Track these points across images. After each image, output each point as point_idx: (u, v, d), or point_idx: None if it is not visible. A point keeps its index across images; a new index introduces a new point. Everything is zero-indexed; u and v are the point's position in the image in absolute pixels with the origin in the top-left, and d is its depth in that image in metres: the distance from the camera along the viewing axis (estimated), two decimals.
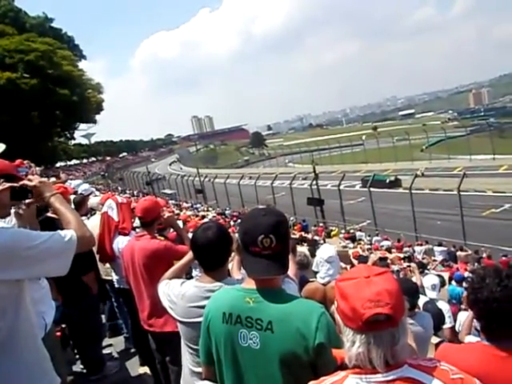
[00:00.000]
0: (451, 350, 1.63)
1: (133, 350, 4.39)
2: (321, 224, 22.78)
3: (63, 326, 3.92)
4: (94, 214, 4.76)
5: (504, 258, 12.90)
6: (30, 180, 1.80)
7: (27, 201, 1.89)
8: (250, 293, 1.50)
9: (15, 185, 1.83)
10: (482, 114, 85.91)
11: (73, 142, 50.32)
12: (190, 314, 1.90)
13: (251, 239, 1.46)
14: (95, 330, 3.88)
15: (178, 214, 16.57)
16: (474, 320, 2.50)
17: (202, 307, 1.72)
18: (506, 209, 20.65)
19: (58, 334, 3.82)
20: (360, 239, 18.14)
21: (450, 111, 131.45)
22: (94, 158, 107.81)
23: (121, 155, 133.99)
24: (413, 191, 18.87)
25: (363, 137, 78.45)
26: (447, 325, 4.17)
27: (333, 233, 20.34)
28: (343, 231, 20.41)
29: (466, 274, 8.39)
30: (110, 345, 4.75)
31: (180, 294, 1.96)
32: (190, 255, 2.14)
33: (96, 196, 5.25)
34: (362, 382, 1.06)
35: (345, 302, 1.09)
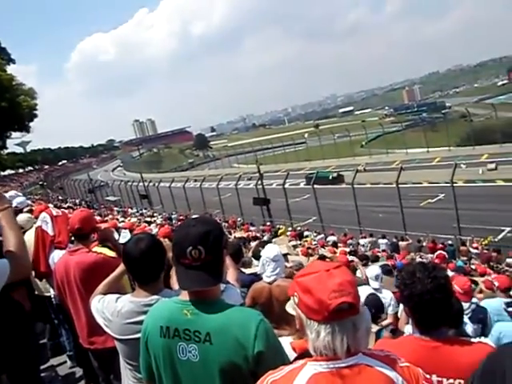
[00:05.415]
0: (387, 346, 1.68)
1: (77, 369, 4.19)
2: (268, 223, 22.94)
3: None
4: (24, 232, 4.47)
5: (440, 245, 13.68)
6: None
7: None
8: (187, 305, 1.46)
9: None
10: (416, 109, 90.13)
11: (5, 151, 47.46)
12: (127, 330, 1.84)
13: (181, 251, 1.42)
14: (31, 352, 3.65)
15: (123, 221, 16.08)
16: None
17: (139, 323, 1.66)
18: (440, 198, 21.72)
19: None
20: (307, 236, 18.47)
21: (387, 107, 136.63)
22: (30, 168, 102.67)
23: (60, 163, 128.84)
24: (355, 186, 19.43)
25: (305, 135, 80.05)
26: (391, 311, 4.40)
27: (280, 231, 20.55)
28: (290, 229, 20.68)
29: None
30: (52, 366, 4.51)
31: (116, 310, 1.88)
32: (122, 267, 2.06)
33: (24, 213, 4.91)
34: (320, 368, 1.10)
35: (308, 295, 1.11)
